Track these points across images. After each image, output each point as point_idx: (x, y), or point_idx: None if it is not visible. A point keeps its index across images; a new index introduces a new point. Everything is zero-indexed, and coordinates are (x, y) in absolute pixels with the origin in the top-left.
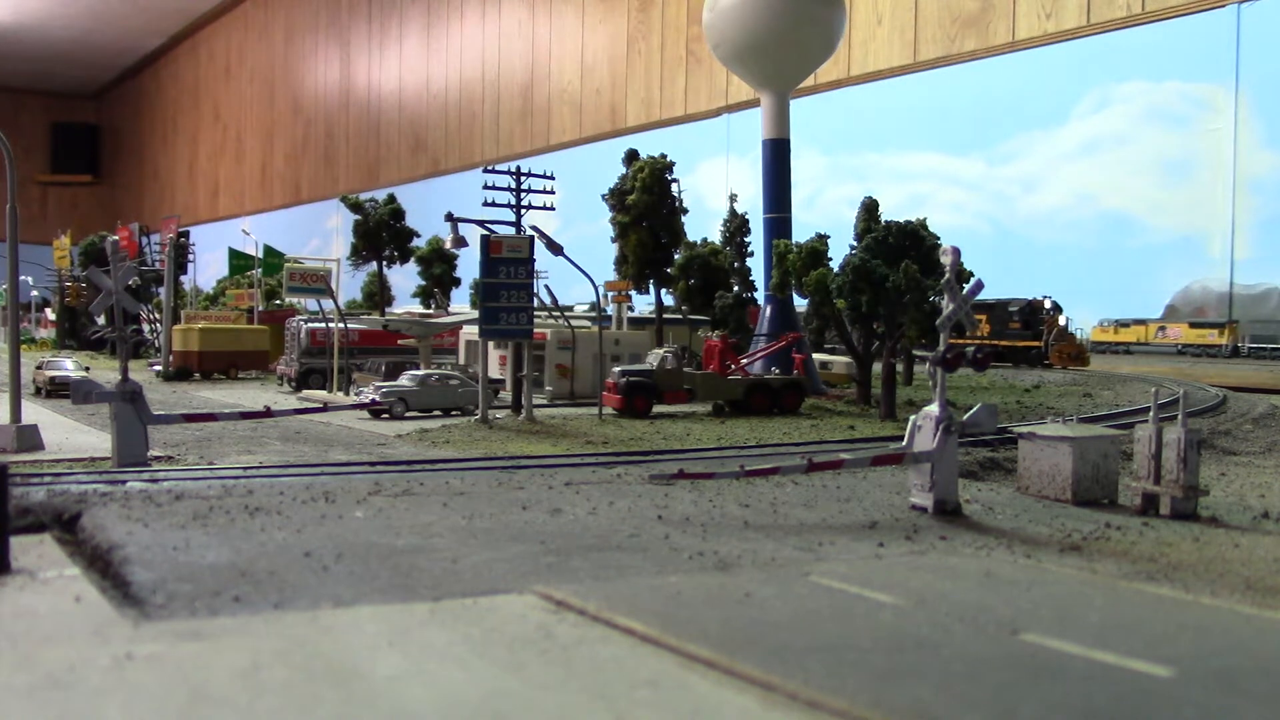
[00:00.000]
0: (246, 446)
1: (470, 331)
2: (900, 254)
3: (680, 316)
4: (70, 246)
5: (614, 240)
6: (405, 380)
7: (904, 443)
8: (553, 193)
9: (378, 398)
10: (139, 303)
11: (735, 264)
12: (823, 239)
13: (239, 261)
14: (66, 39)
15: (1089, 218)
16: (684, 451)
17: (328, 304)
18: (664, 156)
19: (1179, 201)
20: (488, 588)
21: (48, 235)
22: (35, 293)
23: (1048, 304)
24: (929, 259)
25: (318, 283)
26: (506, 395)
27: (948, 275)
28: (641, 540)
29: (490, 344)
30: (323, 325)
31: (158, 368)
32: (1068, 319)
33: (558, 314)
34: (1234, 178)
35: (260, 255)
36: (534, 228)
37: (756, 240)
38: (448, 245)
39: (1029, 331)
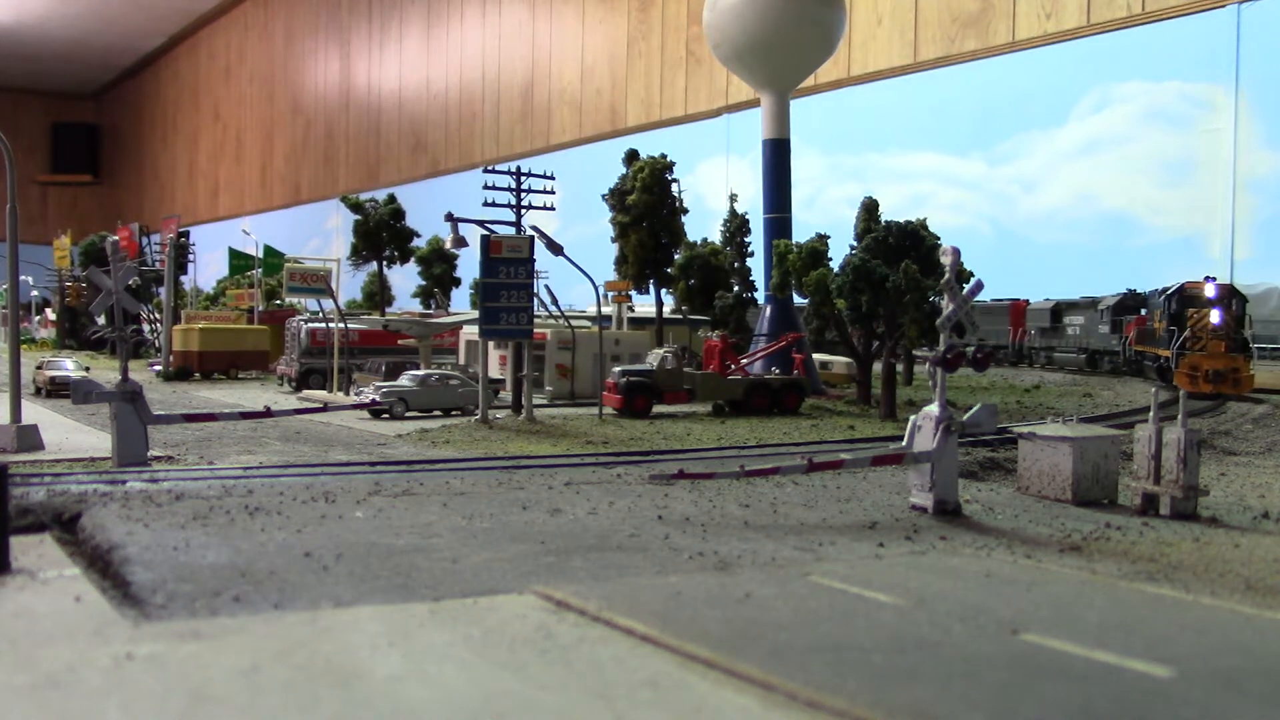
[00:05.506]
0: (246, 446)
1: (470, 331)
2: (900, 254)
3: (680, 316)
4: (70, 246)
5: (614, 240)
6: (405, 380)
7: (904, 443)
8: (553, 193)
9: (378, 398)
10: (139, 303)
11: (735, 264)
12: (823, 239)
13: (239, 261)
14: (66, 39)
15: (1089, 218)
16: (684, 451)
17: (328, 304)
18: (664, 156)
19: (1179, 201)
20: (488, 588)
21: (48, 235)
22: (35, 293)
23: (1209, 290)
24: (929, 259)
25: (318, 283)
26: (506, 395)
27: (948, 275)
28: (641, 540)
29: (490, 344)
30: (323, 325)
31: (158, 368)
32: (1234, 309)
33: (559, 314)
34: (1234, 178)
35: (260, 255)
36: (534, 228)
37: (756, 240)
38: (448, 245)
39: (1167, 333)
